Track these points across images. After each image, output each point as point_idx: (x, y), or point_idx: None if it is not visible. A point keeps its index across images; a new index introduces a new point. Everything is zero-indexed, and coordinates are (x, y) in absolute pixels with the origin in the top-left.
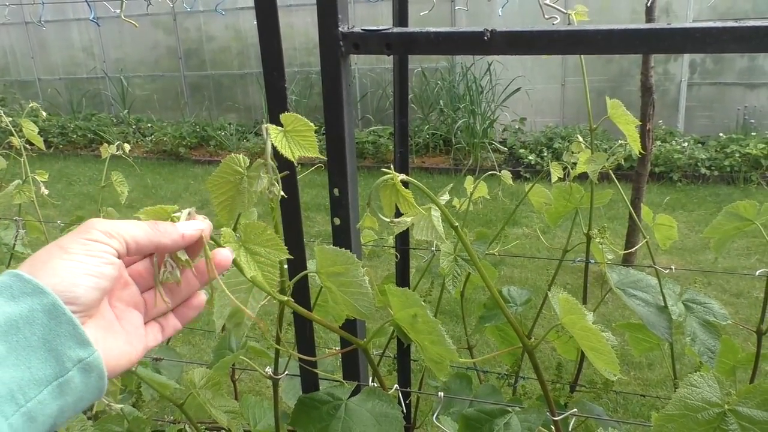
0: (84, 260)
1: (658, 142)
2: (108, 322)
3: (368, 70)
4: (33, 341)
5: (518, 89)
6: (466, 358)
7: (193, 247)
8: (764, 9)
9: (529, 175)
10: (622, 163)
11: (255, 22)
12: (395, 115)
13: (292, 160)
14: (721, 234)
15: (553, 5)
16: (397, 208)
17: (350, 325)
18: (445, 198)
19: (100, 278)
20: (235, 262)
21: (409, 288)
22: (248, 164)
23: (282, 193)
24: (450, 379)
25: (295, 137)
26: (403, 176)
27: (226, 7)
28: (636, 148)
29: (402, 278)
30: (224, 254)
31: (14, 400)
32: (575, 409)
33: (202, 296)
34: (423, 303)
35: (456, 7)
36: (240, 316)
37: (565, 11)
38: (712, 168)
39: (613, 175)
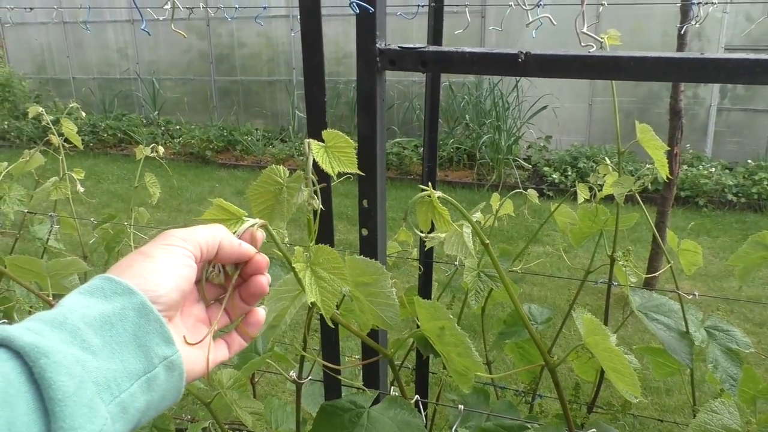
0: (165, 262)
1: (685, 167)
2: (182, 332)
3: (396, 82)
4: (125, 337)
5: (545, 107)
6: (484, 373)
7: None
8: None
9: (552, 193)
10: (648, 186)
11: (286, 30)
12: (425, 131)
13: (332, 174)
14: (746, 262)
15: (589, 33)
16: (432, 223)
17: (373, 335)
18: (477, 216)
19: (180, 279)
20: (299, 281)
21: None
22: (288, 175)
23: (321, 205)
24: (468, 394)
25: (336, 153)
26: (439, 193)
27: (258, 15)
28: (664, 173)
29: (425, 291)
30: (261, 285)
31: (110, 389)
32: (593, 430)
33: (260, 312)
34: (451, 316)
35: (489, 27)
36: (277, 319)
37: (600, 39)
38: (739, 195)
39: (639, 198)
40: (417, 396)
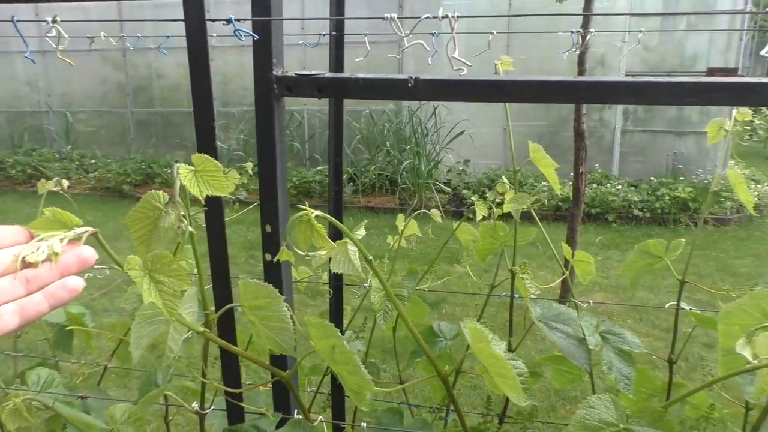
0: None
1: (594, 185)
2: None
3: (317, 111)
4: None
5: (462, 132)
6: (400, 393)
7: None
8: (690, 64)
9: (472, 215)
10: (546, 202)
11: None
12: (330, 155)
13: (200, 198)
14: (634, 270)
15: (459, 58)
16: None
17: (281, 359)
18: (360, 233)
19: None
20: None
21: (342, 324)
22: (168, 200)
23: (191, 228)
24: (382, 413)
25: (205, 177)
26: (318, 212)
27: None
28: (556, 188)
29: (336, 314)
30: (88, 253)
31: None
32: None
33: (77, 280)
34: (340, 334)
35: (404, 53)
36: (162, 348)
37: (470, 64)
38: (645, 210)
39: (535, 214)
40: (321, 417)
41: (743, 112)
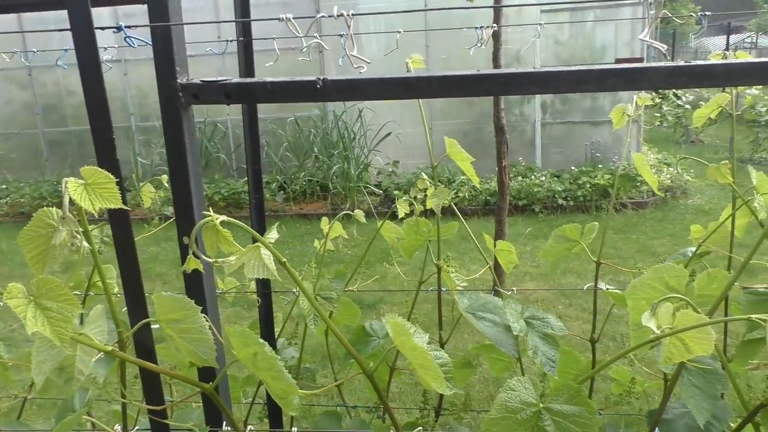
0: None
1: (520, 178)
2: None
3: (241, 120)
4: None
5: (389, 134)
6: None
7: None
8: (599, 56)
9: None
10: (489, 198)
11: (119, 74)
12: (248, 163)
13: (93, 211)
14: (553, 255)
15: (360, 56)
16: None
17: (209, 372)
18: (272, 236)
19: None
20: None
21: (274, 332)
22: (60, 216)
23: (85, 244)
24: (320, 417)
25: (97, 189)
26: (223, 217)
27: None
28: (475, 181)
29: (266, 322)
30: None
31: None
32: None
33: None
34: (261, 341)
35: (326, 58)
36: (70, 371)
37: (369, 61)
38: (568, 198)
39: (456, 208)
40: (250, 427)
41: (643, 97)
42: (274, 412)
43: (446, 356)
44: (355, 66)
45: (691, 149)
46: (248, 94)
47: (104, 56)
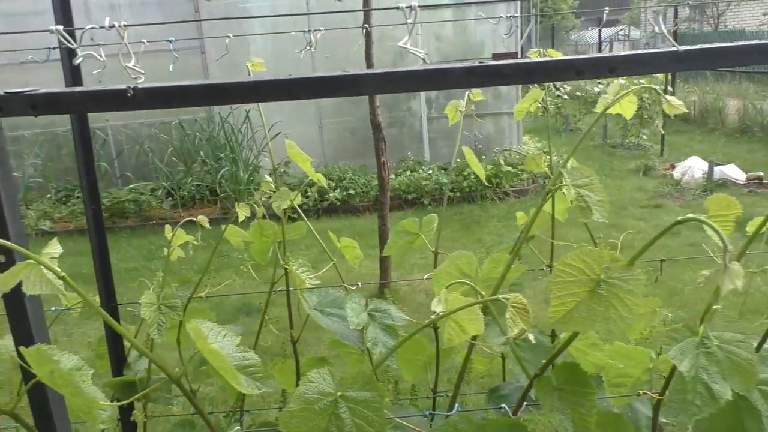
0: None
1: (408, 172)
2: None
3: (122, 126)
4: None
5: (278, 134)
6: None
7: None
8: (478, 51)
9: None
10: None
11: None
12: (81, 173)
13: None
14: (398, 249)
15: (134, 67)
16: None
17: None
18: (55, 251)
19: None
20: None
21: (123, 346)
22: None
23: None
24: (172, 427)
25: None
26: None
27: None
28: (314, 179)
29: (112, 336)
30: None
31: None
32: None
33: None
34: (55, 358)
35: (207, 60)
36: None
37: (143, 72)
38: (455, 190)
39: (299, 209)
40: None
41: (475, 92)
42: (127, 426)
43: (255, 357)
44: (133, 76)
45: (569, 137)
46: (57, 105)
47: None
